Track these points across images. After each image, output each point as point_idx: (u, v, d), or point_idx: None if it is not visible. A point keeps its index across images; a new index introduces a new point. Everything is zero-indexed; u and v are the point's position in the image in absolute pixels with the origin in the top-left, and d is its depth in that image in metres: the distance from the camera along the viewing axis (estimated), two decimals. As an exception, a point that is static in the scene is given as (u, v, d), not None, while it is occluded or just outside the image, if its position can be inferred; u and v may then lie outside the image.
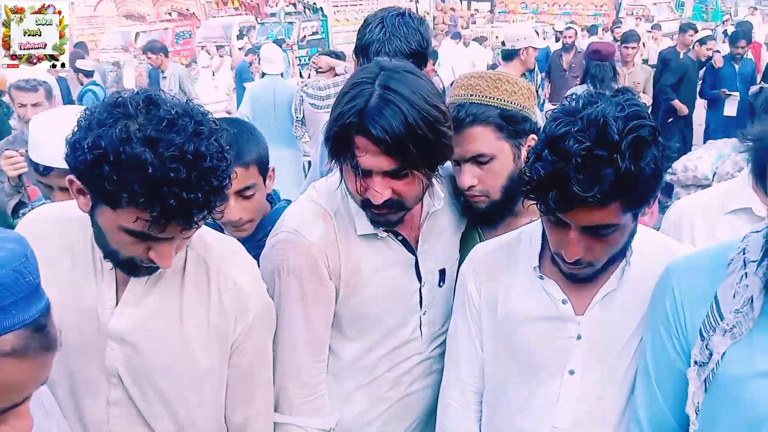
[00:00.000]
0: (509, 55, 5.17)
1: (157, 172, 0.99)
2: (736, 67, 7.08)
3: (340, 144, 1.29)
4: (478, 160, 1.49)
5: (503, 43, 5.64)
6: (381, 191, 1.29)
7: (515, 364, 1.36)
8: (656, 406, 1.20)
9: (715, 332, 1.06)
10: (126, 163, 0.99)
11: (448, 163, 1.56)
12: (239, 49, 13.50)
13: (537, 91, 6.18)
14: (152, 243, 1.11)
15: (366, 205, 1.36)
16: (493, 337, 1.40)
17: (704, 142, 6.95)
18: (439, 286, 1.56)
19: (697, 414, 1.10)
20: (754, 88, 6.68)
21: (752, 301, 1.02)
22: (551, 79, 8.84)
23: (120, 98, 1.05)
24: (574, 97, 1.15)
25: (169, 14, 21.53)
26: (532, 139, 1.52)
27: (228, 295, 1.29)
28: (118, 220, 1.07)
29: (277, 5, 18.44)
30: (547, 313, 1.31)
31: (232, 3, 19.14)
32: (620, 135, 1.04)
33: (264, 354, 1.39)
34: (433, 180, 1.47)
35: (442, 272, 1.56)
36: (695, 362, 1.09)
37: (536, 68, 5.47)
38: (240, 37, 17.50)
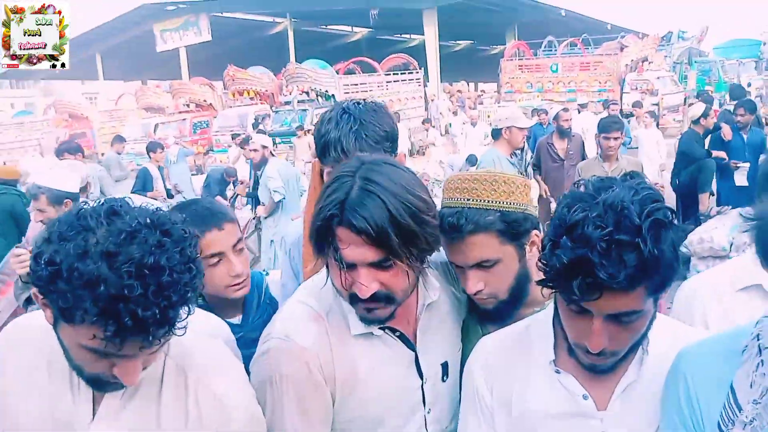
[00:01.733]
0: (495, 134, 5.53)
1: (110, 288, 0.94)
2: (745, 137, 7.11)
3: (322, 238, 1.27)
4: (483, 265, 1.44)
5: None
6: (367, 284, 1.25)
7: None
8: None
9: (734, 425, 1.00)
10: (79, 279, 0.95)
11: (442, 251, 1.53)
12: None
13: (526, 170, 5.94)
14: (115, 360, 1.05)
15: (354, 300, 1.31)
16: None
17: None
18: (443, 380, 1.49)
19: None
20: (763, 157, 6.71)
21: None
22: (542, 171, 7.13)
23: (82, 209, 1.02)
24: (582, 182, 1.14)
25: (187, 105, 22.30)
26: (535, 235, 1.49)
27: (208, 408, 1.21)
28: (76, 337, 1.02)
29: (290, 94, 19.10)
30: (567, 409, 1.24)
31: (248, 93, 19.83)
32: (640, 219, 1.03)
33: None
34: (426, 270, 1.43)
35: (445, 366, 1.49)
36: None
37: (526, 146, 5.65)
38: (255, 125, 18.05)
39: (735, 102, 8.50)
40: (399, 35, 42.40)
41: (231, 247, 1.78)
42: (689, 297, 1.63)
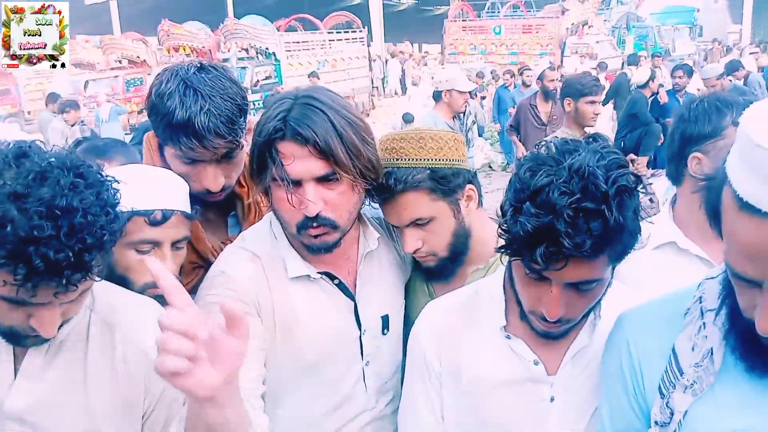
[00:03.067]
0: (436, 97, 5.47)
1: (18, 230, 0.90)
2: (681, 100, 7.32)
3: (264, 156, 1.24)
4: (417, 223, 1.43)
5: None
6: (314, 200, 1.23)
7: None
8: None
9: (675, 389, 0.98)
10: None
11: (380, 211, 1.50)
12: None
13: (467, 134, 5.83)
14: (31, 309, 1.00)
15: (300, 227, 1.28)
16: (458, 406, 1.30)
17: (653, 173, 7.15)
18: (383, 334, 1.47)
19: (662, 478, 1.01)
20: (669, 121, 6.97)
21: (712, 353, 0.95)
22: (522, 136, 6.72)
23: None
24: (544, 144, 1.08)
25: (119, 62, 21.26)
26: (470, 190, 1.48)
27: (136, 364, 1.19)
28: None
29: (229, 51, 18.45)
30: (518, 375, 1.22)
31: (183, 49, 19.01)
32: (606, 185, 0.98)
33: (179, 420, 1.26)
34: (365, 220, 1.44)
35: (386, 318, 1.47)
36: (656, 423, 1.01)
37: (467, 110, 5.55)
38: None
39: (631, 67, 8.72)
40: (342, -7, 41.47)
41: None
42: None
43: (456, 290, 1.39)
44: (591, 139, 1.08)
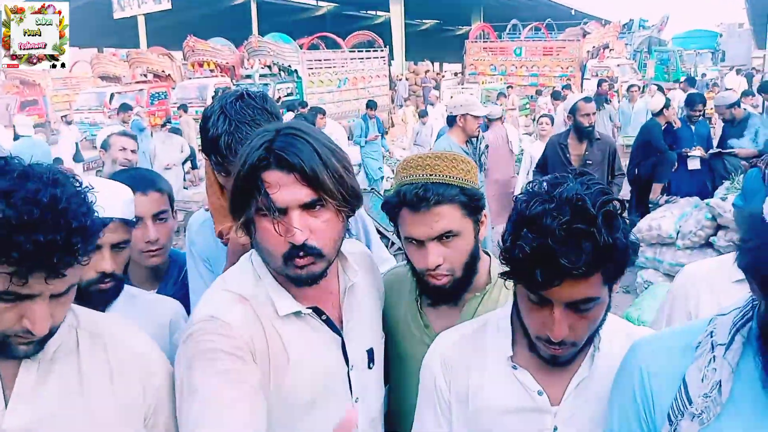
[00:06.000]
0: (450, 121, 5.52)
1: (9, 218, 0.97)
2: (693, 128, 7.35)
3: (249, 187, 1.24)
4: (445, 236, 1.46)
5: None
6: (301, 227, 1.24)
7: None
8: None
9: (683, 417, 1.04)
10: None
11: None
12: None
13: (480, 159, 5.64)
14: (22, 307, 1.04)
15: (287, 257, 1.26)
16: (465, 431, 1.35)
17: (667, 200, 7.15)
18: (369, 368, 1.48)
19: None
20: (713, 152, 7.03)
21: (720, 385, 1.01)
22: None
23: None
24: (536, 181, 1.19)
25: (145, 75, 21.67)
26: (484, 215, 1.54)
27: (129, 363, 1.25)
28: None
29: (252, 67, 18.74)
30: (523, 404, 1.29)
31: (208, 65, 19.32)
32: (594, 209, 1.08)
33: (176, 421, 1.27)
34: (346, 255, 1.45)
35: (370, 352, 1.49)
36: None
37: (480, 135, 5.50)
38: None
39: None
40: (364, 11, 41.97)
41: (151, 215, 1.88)
42: (686, 283, 1.70)
43: (465, 323, 1.45)
44: (578, 174, 1.19)
